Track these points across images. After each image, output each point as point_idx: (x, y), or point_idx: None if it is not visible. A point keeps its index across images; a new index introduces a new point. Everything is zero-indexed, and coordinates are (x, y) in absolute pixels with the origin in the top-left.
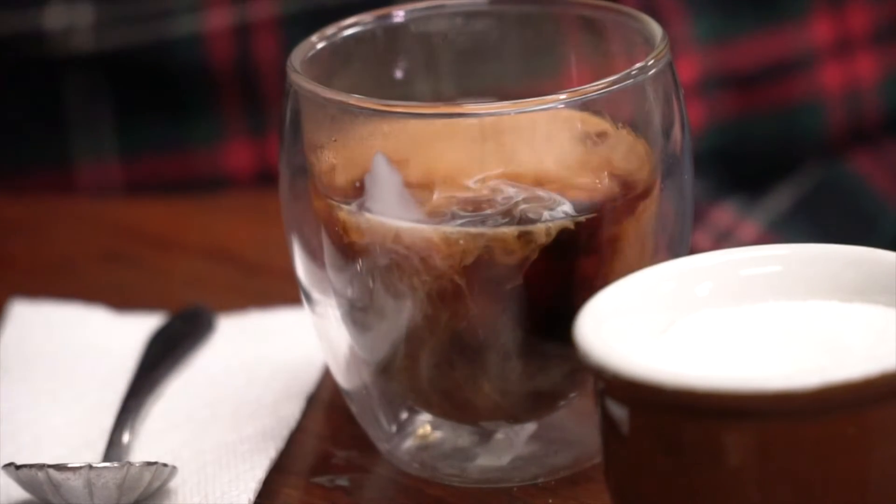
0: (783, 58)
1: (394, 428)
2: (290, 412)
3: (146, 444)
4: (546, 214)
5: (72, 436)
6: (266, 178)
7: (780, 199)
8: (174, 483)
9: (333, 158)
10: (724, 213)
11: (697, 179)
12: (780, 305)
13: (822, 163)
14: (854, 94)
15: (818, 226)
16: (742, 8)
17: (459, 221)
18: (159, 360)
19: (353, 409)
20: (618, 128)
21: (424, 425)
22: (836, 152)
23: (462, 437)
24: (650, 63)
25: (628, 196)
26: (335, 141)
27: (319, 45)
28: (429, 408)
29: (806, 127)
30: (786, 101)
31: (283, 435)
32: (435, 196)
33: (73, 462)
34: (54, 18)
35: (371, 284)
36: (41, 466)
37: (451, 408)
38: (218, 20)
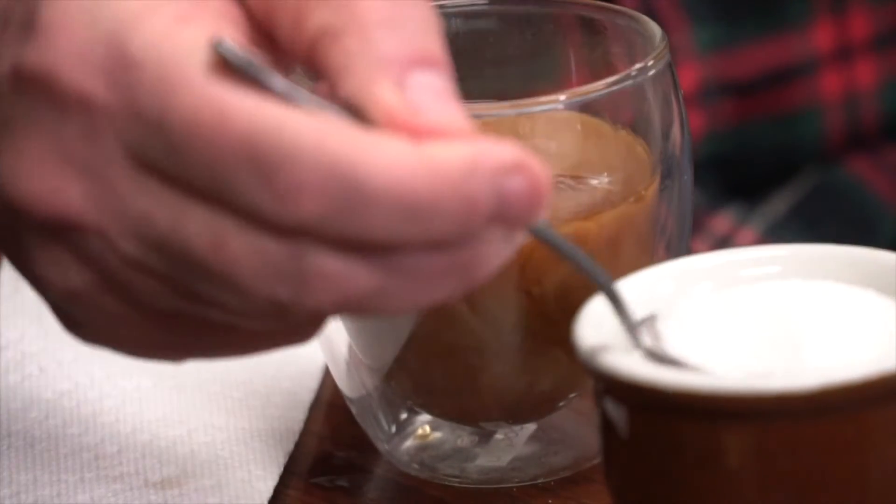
0: (783, 65)
1: (393, 428)
2: (294, 417)
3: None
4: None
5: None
6: None
7: (779, 205)
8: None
9: None
10: (723, 221)
11: (696, 187)
12: (780, 301)
13: (820, 168)
14: (853, 100)
15: (817, 231)
16: (743, 16)
17: None
18: None
19: (353, 409)
20: (617, 129)
21: (424, 426)
22: (834, 158)
23: (462, 437)
24: (650, 64)
25: (628, 197)
26: None
27: None
28: (428, 408)
29: (804, 133)
30: (785, 108)
31: (288, 439)
32: None
33: None
34: None
35: None
36: None
37: (452, 408)
38: None
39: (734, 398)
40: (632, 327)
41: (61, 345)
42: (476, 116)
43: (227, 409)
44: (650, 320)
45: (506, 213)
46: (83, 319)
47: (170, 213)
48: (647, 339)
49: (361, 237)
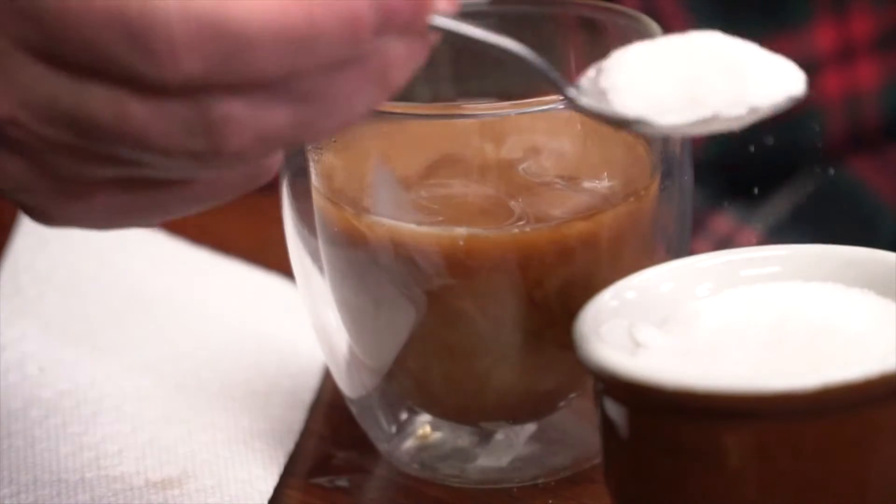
0: None
1: (394, 428)
2: (294, 417)
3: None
4: (546, 215)
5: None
6: None
7: (780, 205)
8: (181, 488)
9: (333, 159)
10: (724, 221)
11: (696, 187)
12: (778, 300)
13: (821, 168)
14: (854, 101)
15: (818, 231)
16: (745, 16)
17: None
18: None
19: (353, 409)
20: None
21: (424, 426)
22: (835, 158)
23: (462, 437)
24: None
25: (628, 196)
26: (335, 142)
27: None
28: (429, 408)
29: (805, 134)
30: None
31: (288, 439)
32: (435, 197)
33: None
34: None
35: (371, 286)
36: None
37: (452, 408)
38: None
39: (734, 398)
40: (561, 85)
41: (61, 345)
42: (476, 117)
43: (227, 409)
44: (592, 80)
45: (393, 22)
46: (38, 205)
47: (70, 94)
48: (585, 100)
49: (255, 79)
